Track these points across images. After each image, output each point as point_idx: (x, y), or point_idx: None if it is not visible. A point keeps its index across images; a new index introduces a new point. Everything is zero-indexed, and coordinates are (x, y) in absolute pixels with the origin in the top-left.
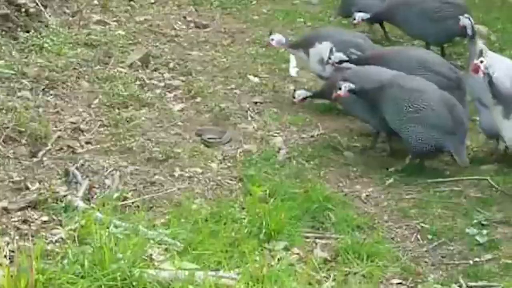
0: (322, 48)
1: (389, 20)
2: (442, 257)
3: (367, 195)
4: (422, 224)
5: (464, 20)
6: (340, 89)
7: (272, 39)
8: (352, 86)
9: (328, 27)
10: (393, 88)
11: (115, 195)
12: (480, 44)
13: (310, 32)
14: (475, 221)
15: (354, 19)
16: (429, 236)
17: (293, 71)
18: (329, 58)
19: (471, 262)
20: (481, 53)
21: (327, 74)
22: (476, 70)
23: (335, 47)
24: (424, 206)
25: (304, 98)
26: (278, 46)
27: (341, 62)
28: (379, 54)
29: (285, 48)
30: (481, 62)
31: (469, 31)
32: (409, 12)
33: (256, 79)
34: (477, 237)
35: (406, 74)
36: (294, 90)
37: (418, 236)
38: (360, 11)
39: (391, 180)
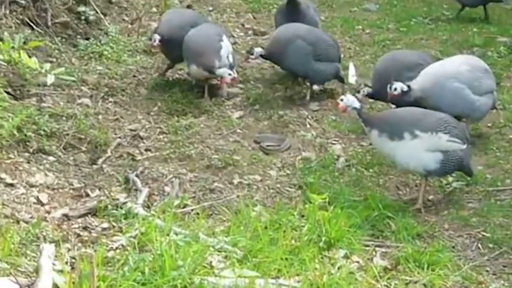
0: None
1: None
2: (504, 266)
3: (427, 203)
4: (483, 233)
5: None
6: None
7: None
8: None
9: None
10: None
11: (175, 202)
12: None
13: None
14: None
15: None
16: (490, 245)
17: (352, 79)
18: None
19: None
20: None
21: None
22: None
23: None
24: (484, 214)
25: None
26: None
27: None
28: None
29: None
30: None
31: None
32: None
33: (315, 86)
34: None
35: None
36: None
37: (479, 245)
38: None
39: (451, 189)
